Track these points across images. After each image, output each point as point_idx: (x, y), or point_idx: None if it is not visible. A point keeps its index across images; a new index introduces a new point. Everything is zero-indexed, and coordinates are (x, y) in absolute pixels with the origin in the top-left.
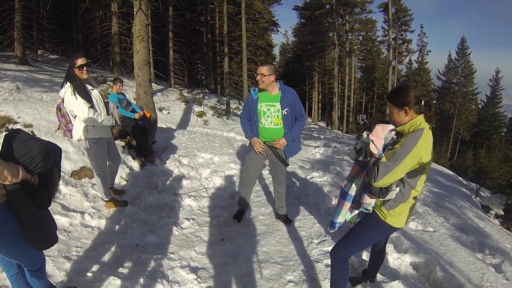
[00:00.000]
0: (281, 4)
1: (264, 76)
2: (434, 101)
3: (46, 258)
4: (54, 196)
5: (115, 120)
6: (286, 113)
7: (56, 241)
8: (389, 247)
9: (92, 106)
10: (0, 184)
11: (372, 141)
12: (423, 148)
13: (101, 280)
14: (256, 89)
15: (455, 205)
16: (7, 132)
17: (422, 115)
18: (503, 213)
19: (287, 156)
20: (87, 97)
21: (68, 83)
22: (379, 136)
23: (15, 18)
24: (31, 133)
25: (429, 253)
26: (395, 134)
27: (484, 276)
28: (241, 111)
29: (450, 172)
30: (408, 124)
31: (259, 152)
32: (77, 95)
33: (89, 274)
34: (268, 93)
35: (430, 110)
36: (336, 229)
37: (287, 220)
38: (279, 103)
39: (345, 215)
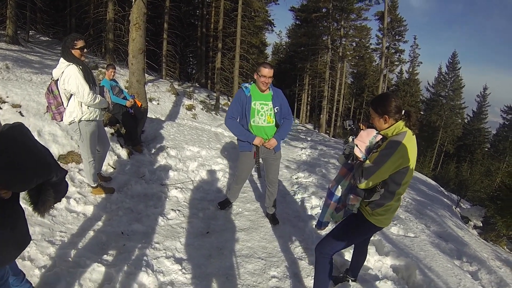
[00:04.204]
0: (278, 4)
1: (271, 78)
2: (422, 112)
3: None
4: (43, 216)
5: (108, 103)
6: (276, 111)
7: (14, 259)
8: (371, 249)
9: (92, 87)
10: None
11: (357, 145)
12: (405, 150)
13: (85, 266)
14: (249, 86)
15: (436, 214)
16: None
17: (402, 121)
18: (481, 224)
19: (275, 150)
20: (89, 78)
21: (67, 63)
22: (364, 140)
23: None
24: (30, 137)
25: (410, 257)
26: (380, 139)
27: (461, 281)
28: (228, 109)
29: (433, 182)
30: (391, 128)
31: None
32: (79, 75)
33: (73, 259)
34: (260, 92)
35: (410, 119)
36: (322, 228)
37: (274, 220)
38: (271, 102)
39: (331, 214)
